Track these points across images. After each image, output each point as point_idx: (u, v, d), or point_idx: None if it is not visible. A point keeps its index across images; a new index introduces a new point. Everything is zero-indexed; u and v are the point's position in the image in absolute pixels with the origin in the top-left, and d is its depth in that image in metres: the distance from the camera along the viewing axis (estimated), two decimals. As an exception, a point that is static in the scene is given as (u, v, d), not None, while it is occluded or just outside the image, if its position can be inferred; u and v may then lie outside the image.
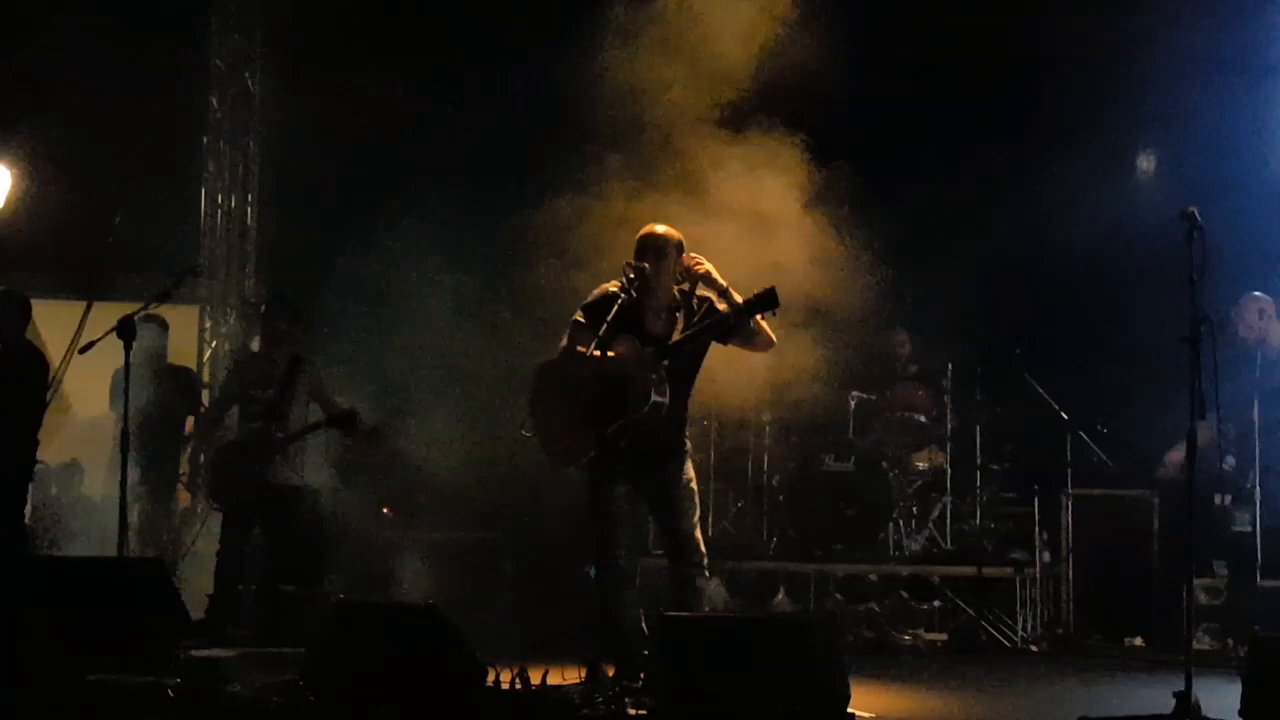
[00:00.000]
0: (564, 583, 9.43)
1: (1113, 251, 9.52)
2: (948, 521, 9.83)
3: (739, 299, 6.35)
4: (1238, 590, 8.42)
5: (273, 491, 8.36)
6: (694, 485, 6.59)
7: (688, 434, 6.65)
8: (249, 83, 11.18)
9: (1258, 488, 8.22)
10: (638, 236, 6.56)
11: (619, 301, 6.30)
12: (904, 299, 9.56)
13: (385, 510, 9.97)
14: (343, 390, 8.61)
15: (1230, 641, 8.36)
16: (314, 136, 10.60)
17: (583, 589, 8.78)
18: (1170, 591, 8.55)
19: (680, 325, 6.50)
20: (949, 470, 9.87)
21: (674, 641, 5.67)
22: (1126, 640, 8.86)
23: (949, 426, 9.93)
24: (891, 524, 9.69)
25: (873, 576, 9.49)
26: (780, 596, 9.52)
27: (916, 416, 9.96)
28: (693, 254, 6.53)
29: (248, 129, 11.22)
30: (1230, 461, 8.42)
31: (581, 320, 6.53)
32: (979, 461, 9.92)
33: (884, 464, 9.74)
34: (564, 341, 6.56)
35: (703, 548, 6.55)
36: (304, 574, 8.48)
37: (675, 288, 6.56)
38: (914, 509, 9.87)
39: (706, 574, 6.55)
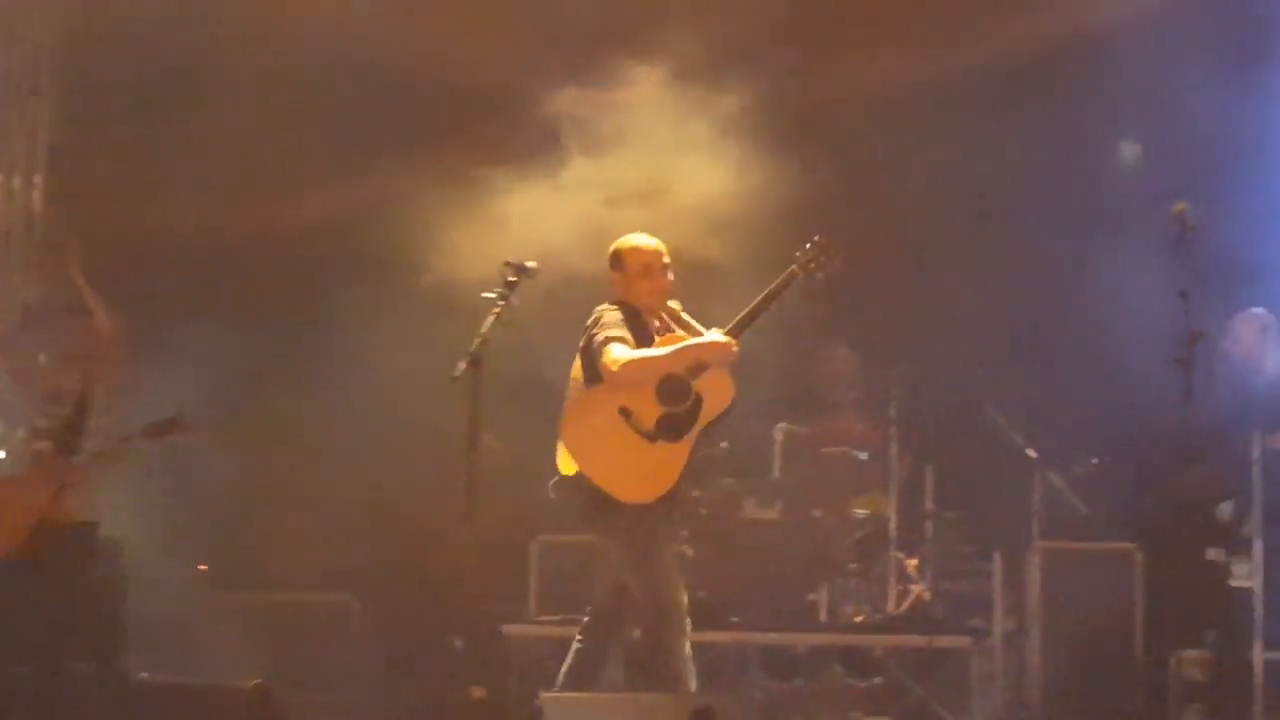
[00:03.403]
0: (429, 657, 9.38)
1: (1091, 256, 9.66)
2: (892, 581, 9.80)
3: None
4: (1228, 663, 8.52)
5: (61, 534, 8.17)
6: None
7: None
8: (40, 38, 10.97)
9: (1258, 539, 8.35)
10: (639, 252, 7.00)
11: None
12: (840, 305, 9.63)
13: (202, 566, 9.82)
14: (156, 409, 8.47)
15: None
16: (122, 96, 10.44)
17: (451, 665, 8.78)
18: (1158, 666, 8.69)
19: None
20: (894, 519, 9.86)
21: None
22: (1105, 726, 8.95)
23: (894, 466, 9.94)
24: (824, 584, 9.70)
25: (801, 648, 9.47)
26: (689, 672, 9.47)
27: (856, 453, 9.96)
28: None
29: (36, 86, 10.96)
30: (1227, 507, 8.57)
31: (621, 335, 6.82)
32: (929, 508, 9.96)
33: (816, 511, 9.74)
34: (614, 362, 6.73)
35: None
36: (97, 646, 8.29)
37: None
38: (852, 566, 9.82)
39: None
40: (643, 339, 6.83)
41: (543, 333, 7.72)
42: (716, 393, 6.75)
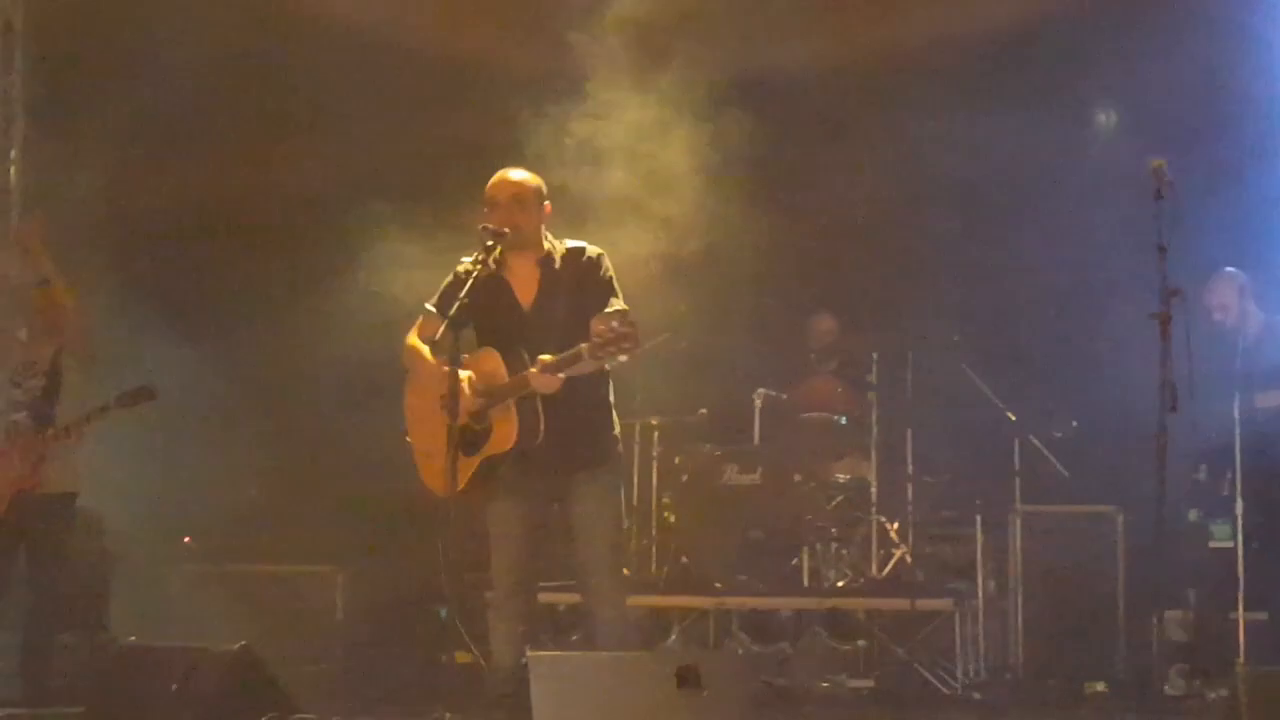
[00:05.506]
0: (407, 625, 9.46)
1: (1068, 218, 9.71)
2: (874, 545, 9.86)
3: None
4: (1211, 622, 8.61)
5: (41, 504, 8.22)
6: (612, 501, 6.65)
7: (613, 430, 6.68)
8: (10, 13, 10.96)
9: (1239, 499, 8.41)
10: (488, 188, 6.62)
11: (473, 278, 6.35)
12: (821, 274, 9.69)
13: (187, 539, 9.87)
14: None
15: (1198, 683, 8.53)
16: (97, 74, 10.44)
17: (429, 633, 8.85)
18: (1139, 627, 8.76)
19: (540, 285, 6.55)
20: (874, 483, 9.93)
21: (546, 685, 5.71)
22: (1088, 686, 8.99)
23: (874, 430, 10.00)
24: (806, 549, 9.74)
25: (784, 612, 9.55)
26: (673, 638, 9.53)
27: (835, 418, 10.02)
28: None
29: (9, 65, 10.97)
30: (1204, 468, 8.64)
31: (433, 312, 6.60)
32: (910, 472, 10.03)
33: (797, 476, 9.80)
34: (409, 336, 6.64)
35: (608, 577, 6.60)
36: (82, 615, 8.34)
37: (545, 242, 6.64)
38: (833, 530, 9.88)
39: (613, 607, 6.60)
40: (489, 300, 6.45)
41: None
42: (502, 431, 6.38)
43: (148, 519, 9.29)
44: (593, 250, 6.66)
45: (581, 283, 6.58)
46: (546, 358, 6.28)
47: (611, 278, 6.63)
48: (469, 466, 6.39)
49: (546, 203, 6.66)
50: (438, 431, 6.37)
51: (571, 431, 6.45)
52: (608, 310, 6.45)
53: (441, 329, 6.24)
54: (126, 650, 6.60)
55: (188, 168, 10.38)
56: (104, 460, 8.77)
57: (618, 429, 6.74)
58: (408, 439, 6.73)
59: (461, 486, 6.36)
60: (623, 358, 6.20)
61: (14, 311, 9.13)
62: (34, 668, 8.06)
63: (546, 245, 6.63)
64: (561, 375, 6.27)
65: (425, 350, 6.59)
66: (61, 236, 9.63)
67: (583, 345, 6.22)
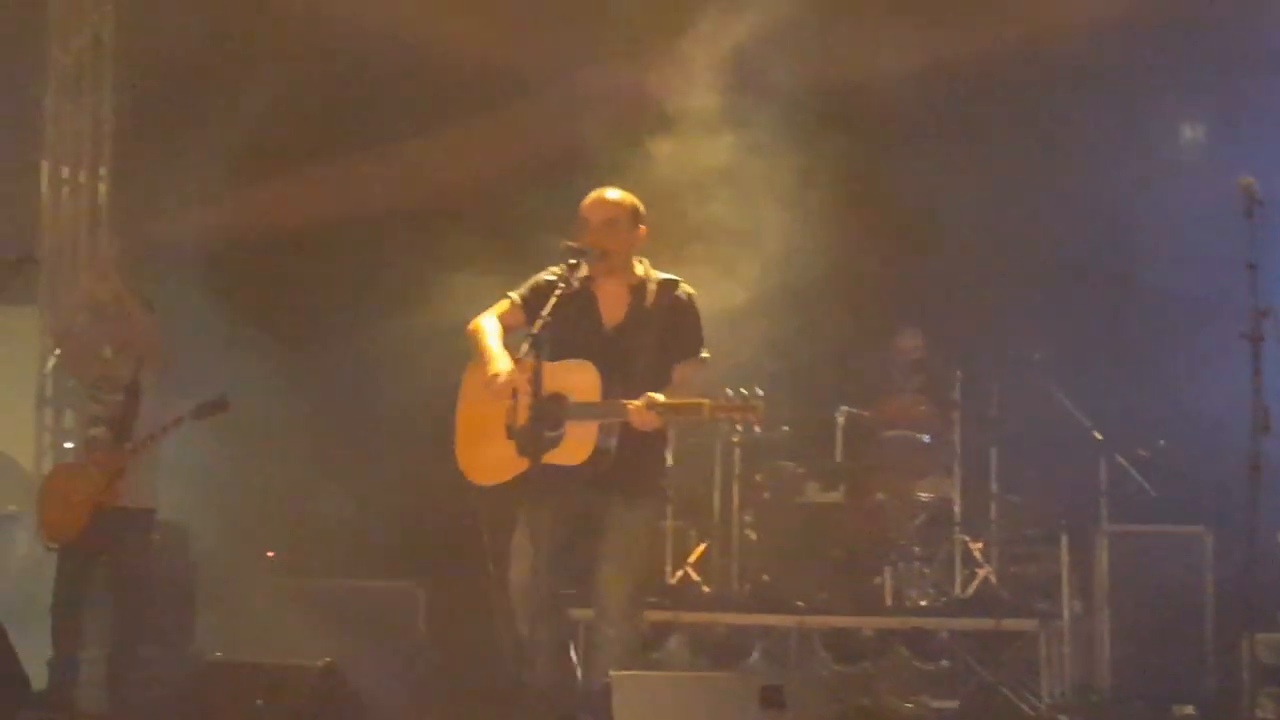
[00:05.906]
0: (489, 641, 9.46)
1: (1155, 234, 9.64)
2: (957, 564, 9.82)
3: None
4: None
5: (120, 518, 8.31)
6: (646, 534, 6.69)
7: (663, 462, 6.74)
8: (99, 28, 11.10)
9: (1332, 521, 8.31)
10: (583, 206, 6.61)
11: (557, 293, 6.32)
12: (905, 291, 9.63)
13: (269, 553, 9.94)
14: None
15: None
16: (185, 94, 10.56)
17: (510, 649, 8.83)
18: (1228, 649, 8.66)
19: (628, 310, 6.54)
20: (958, 502, 9.89)
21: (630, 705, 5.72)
22: (1176, 708, 8.90)
23: (958, 448, 9.96)
24: (889, 567, 9.70)
25: (867, 631, 9.48)
26: (755, 656, 9.50)
27: (919, 436, 9.99)
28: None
29: (99, 81, 11.12)
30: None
31: (518, 302, 6.60)
32: (994, 491, 9.96)
33: (879, 494, 9.78)
34: (479, 317, 6.62)
35: (625, 603, 6.56)
36: (166, 629, 8.41)
37: (635, 262, 6.62)
38: (916, 549, 9.84)
39: (613, 625, 6.56)
40: (575, 314, 6.46)
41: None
42: (577, 447, 6.36)
43: (231, 534, 9.37)
44: (686, 288, 6.64)
45: (670, 320, 6.57)
46: (659, 397, 6.24)
47: (700, 323, 6.61)
48: (519, 465, 6.31)
49: (642, 225, 6.62)
50: (489, 418, 6.40)
51: (627, 459, 6.44)
52: (699, 358, 6.53)
53: (525, 347, 6.21)
54: (212, 665, 6.66)
55: (275, 185, 10.48)
56: (189, 476, 8.86)
57: (669, 461, 6.70)
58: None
59: (502, 480, 6.39)
60: (740, 427, 6.22)
61: (100, 328, 9.25)
62: (119, 682, 8.17)
63: (640, 271, 6.61)
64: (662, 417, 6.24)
65: (487, 339, 6.56)
66: (149, 252, 9.80)
67: (705, 401, 6.24)
